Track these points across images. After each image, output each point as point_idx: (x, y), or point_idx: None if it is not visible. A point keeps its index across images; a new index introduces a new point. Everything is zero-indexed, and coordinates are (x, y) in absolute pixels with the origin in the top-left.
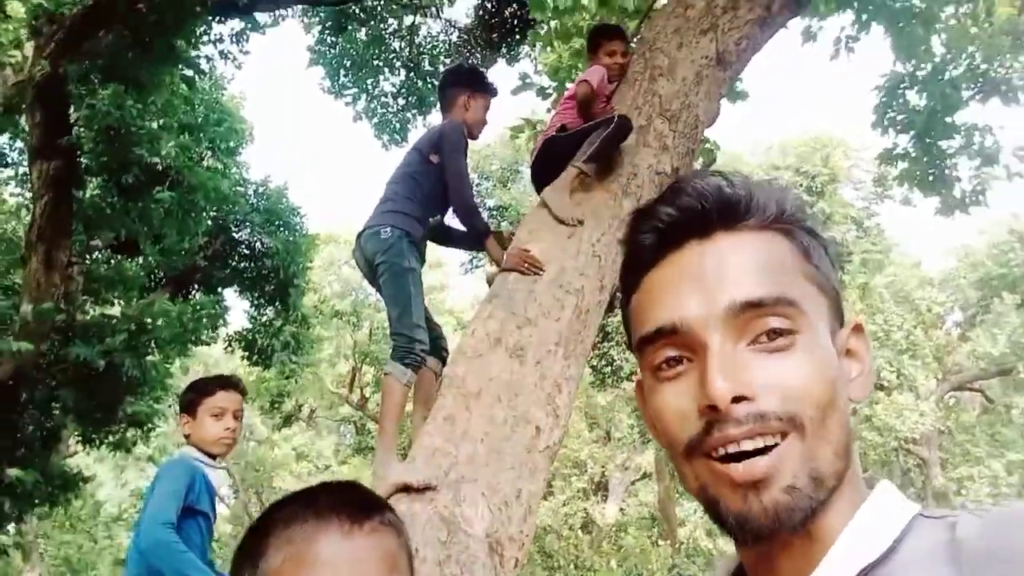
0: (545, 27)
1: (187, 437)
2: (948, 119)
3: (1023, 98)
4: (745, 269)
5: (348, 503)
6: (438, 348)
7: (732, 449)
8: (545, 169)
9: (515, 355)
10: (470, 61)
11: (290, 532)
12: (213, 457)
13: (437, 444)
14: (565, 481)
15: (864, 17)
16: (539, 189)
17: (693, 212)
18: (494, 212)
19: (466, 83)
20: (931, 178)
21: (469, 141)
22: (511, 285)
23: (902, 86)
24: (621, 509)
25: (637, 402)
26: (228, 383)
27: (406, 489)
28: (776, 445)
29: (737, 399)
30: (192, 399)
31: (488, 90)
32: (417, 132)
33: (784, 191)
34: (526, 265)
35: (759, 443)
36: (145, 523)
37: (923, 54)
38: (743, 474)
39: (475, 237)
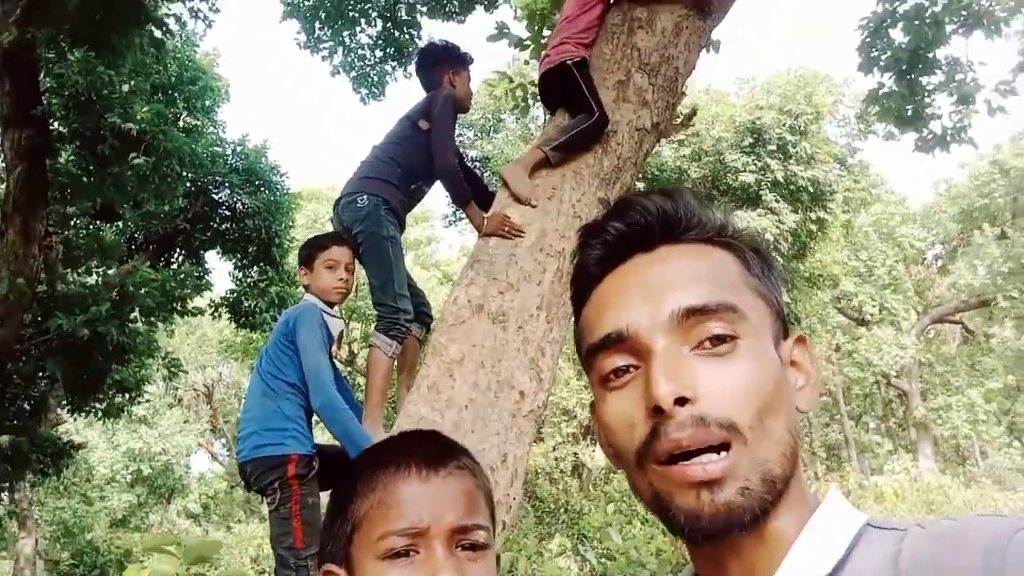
0: None
1: (306, 288)
2: (930, 55)
3: (1005, 30)
4: (688, 277)
5: (426, 450)
6: (421, 315)
7: (685, 454)
8: (553, 91)
9: (497, 321)
10: (447, 8)
11: (374, 480)
12: (331, 305)
13: (422, 412)
14: (555, 427)
15: None
16: (545, 100)
17: (638, 226)
18: (477, 163)
19: (446, 60)
20: (910, 115)
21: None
22: (492, 250)
23: (885, 24)
24: None
25: (593, 424)
26: (341, 239)
27: None
28: (721, 447)
29: (680, 400)
30: (309, 253)
31: (466, 63)
32: (396, 85)
33: (727, 215)
34: (506, 229)
35: (709, 458)
36: (314, 384)
37: None
38: (700, 473)
39: (457, 202)
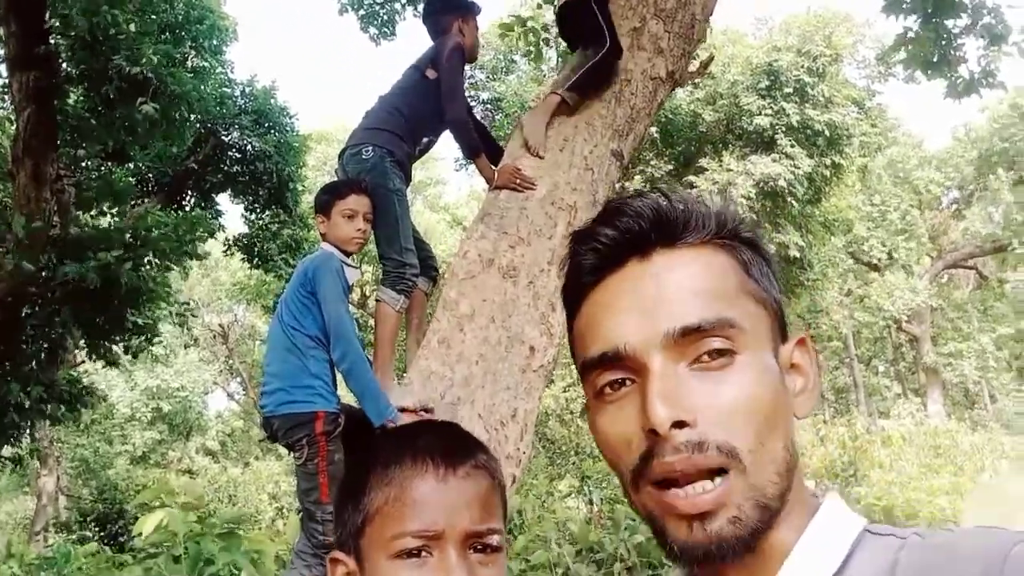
0: None
1: (323, 236)
2: None
3: None
4: (685, 291)
5: (444, 446)
6: (428, 267)
7: (679, 481)
8: (572, 23)
9: (508, 275)
10: None
11: (389, 473)
12: (347, 255)
13: (433, 367)
14: (565, 369)
15: None
16: (564, 35)
17: (631, 231)
18: (488, 104)
19: (455, 8)
20: (936, 59)
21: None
22: (502, 203)
23: None
24: None
25: (589, 425)
26: (359, 187)
27: (403, 411)
28: (717, 474)
29: (678, 424)
30: (326, 201)
31: (474, 12)
32: (406, 25)
33: (724, 206)
34: (517, 182)
35: (703, 487)
36: (336, 335)
37: None
38: (688, 506)
39: (467, 154)
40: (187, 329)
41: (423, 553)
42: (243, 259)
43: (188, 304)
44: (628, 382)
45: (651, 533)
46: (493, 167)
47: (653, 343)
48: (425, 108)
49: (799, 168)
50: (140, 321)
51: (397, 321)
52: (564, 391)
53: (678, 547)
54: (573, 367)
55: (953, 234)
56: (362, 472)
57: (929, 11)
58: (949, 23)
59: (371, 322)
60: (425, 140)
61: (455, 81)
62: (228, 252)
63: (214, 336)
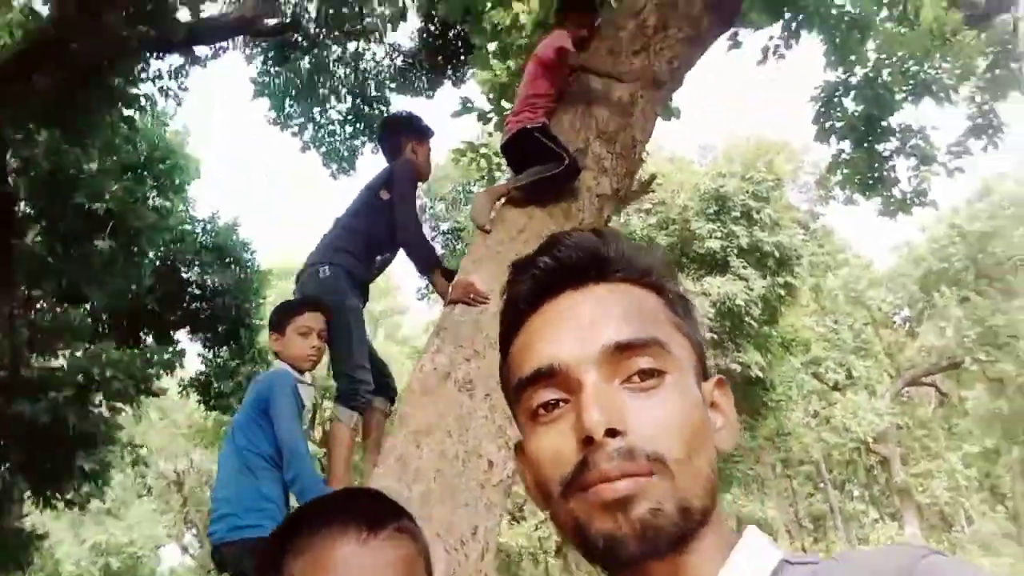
0: (484, 49)
1: (277, 355)
2: (884, 122)
3: (953, 97)
4: (618, 314)
5: (366, 509)
6: (385, 387)
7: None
8: (516, 154)
9: (464, 388)
10: (416, 85)
11: (310, 538)
12: (301, 372)
13: (389, 485)
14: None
15: (795, 27)
16: (512, 167)
17: (569, 262)
18: (448, 235)
19: (409, 131)
20: (871, 181)
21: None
22: (457, 317)
23: (837, 93)
24: None
25: (517, 467)
26: (314, 305)
27: None
28: (642, 476)
29: (611, 432)
30: (280, 318)
31: (427, 135)
32: (365, 159)
33: (653, 253)
34: (471, 296)
35: (629, 481)
36: (288, 455)
37: (857, 59)
38: (610, 491)
39: (421, 270)
40: (139, 477)
41: None
42: (199, 400)
43: (141, 447)
44: (562, 403)
45: (578, 548)
46: (447, 283)
47: (588, 360)
48: (380, 227)
49: (753, 289)
50: (89, 466)
51: (352, 439)
52: (536, 528)
53: (604, 540)
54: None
55: (909, 352)
56: (281, 541)
57: (859, 136)
58: (880, 146)
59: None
60: (380, 258)
61: (408, 201)
62: (183, 393)
63: (168, 485)
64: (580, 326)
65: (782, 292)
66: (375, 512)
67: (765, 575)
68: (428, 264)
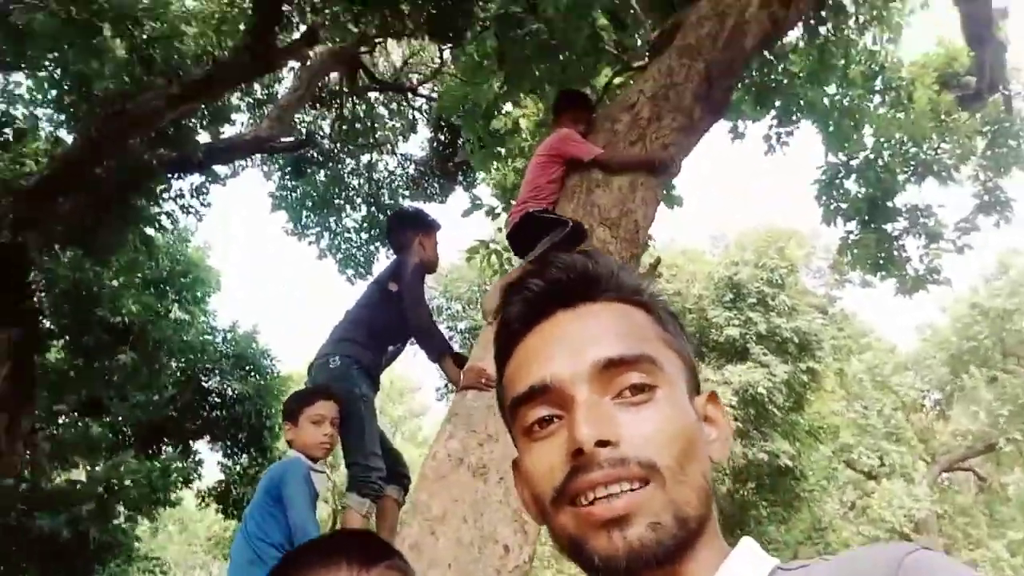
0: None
1: (290, 443)
2: (889, 203)
3: (956, 175)
4: (608, 331)
5: (358, 548)
6: (399, 476)
7: (599, 493)
8: (522, 239)
9: (478, 473)
10: (428, 191)
11: (305, 573)
12: (315, 460)
13: None
14: None
15: (787, 116)
16: (518, 253)
17: (560, 283)
18: (466, 333)
19: (416, 225)
20: (882, 260)
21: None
22: (469, 403)
23: (839, 176)
24: None
25: (515, 483)
26: (326, 394)
27: None
28: (637, 489)
29: (602, 443)
30: (294, 408)
31: (433, 228)
32: (380, 264)
33: (642, 276)
34: (482, 381)
35: (620, 487)
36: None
37: (853, 144)
38: (605, 510)
39: (432, 358)
40: None
41: None
42: (218, 509)
43: (158, 559)
44: (555, 419)
45: (574, 560)
46: (459, 370)
47: (580, 376)
48: (388, 319)
49: (775, 375)
50: None
51: (364, 526)
52: None
53: (599, 559)
54: None
55: (942, 436)
56: None
57: (865, 217)
58: (888, 226)
59: None
60: (392, 349)
61: (417, 291)
62: (202, 504)
63: None
64: (571, 344)
65: (805, 378)
66: (367, 550)
67: None
68: (439, 351)
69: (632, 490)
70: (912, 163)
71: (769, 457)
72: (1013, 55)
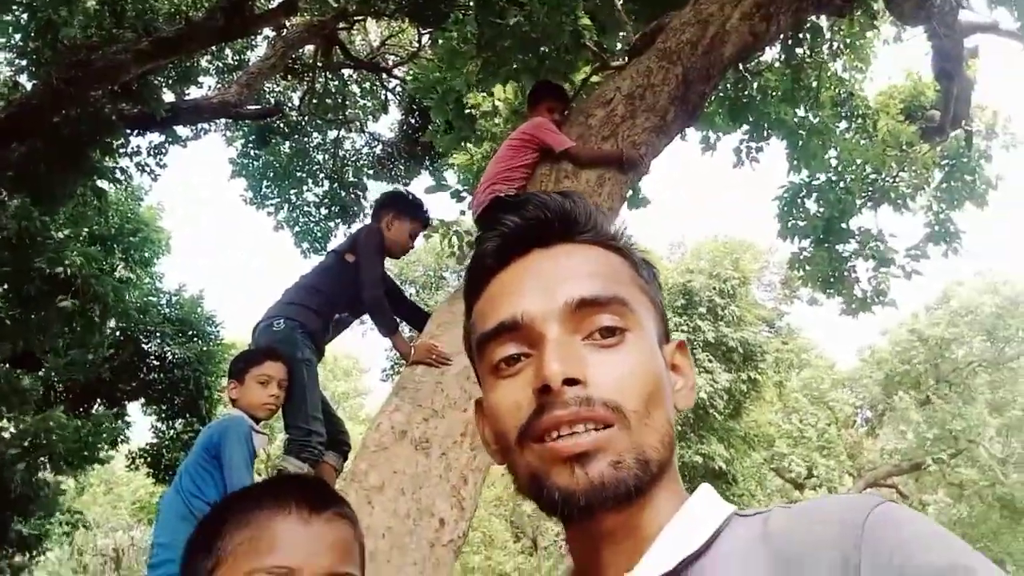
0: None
1: (233, 401)
2: (844, 225)
3: (911, 205)
4: (583, 272)
5: (308, 493)
6: (339, 443)
7: (563, 431)
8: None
9: (420, 447)
10: (393, 172)
11: (247, 516)
12: (257, 421)
13: None
14: None
15: (758, 132)
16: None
17: (536, 221)
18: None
19: (392, 205)
20: (832, 279)
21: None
22: (418, 377)
23: (800, 195)
24: None
25: (478, 422)
26: (275, 355)
27: None
28: (601, 430)
29: (569, 381)
30: (242, 367)
31: (411, 215)
32: (338, 240)
33: (621, 223)
34: (433, 357)
35: (585, 427)
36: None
37: (819, 164)
38: (570, 445)
39: (384, 333)
40: (77, 553)
41: None
42: (148, 473)
43: (80, 514)
44: (523, 358)
45: (533, 498)
46: (410, 344)
47: (551, 314)
48: (340, 288)
49: (717, 382)
50: (27, 532)
51: None
52: None
53: (560, 493)
54: None
55: (870, 453)
56: (217, 519)
57: (820, 236)
58: (840, 247)
59: None
60: (338, 316)
61: (371, 264)
62: (132, 466)
63: (105, 562)
64: (544, 282)
65: (746, 387)
66: (317, 495)
67: (714, 525)
68: (390, 327)
69: (596, 430)
70: (870, 188)
71: (704, 460)
72: (978, 94)
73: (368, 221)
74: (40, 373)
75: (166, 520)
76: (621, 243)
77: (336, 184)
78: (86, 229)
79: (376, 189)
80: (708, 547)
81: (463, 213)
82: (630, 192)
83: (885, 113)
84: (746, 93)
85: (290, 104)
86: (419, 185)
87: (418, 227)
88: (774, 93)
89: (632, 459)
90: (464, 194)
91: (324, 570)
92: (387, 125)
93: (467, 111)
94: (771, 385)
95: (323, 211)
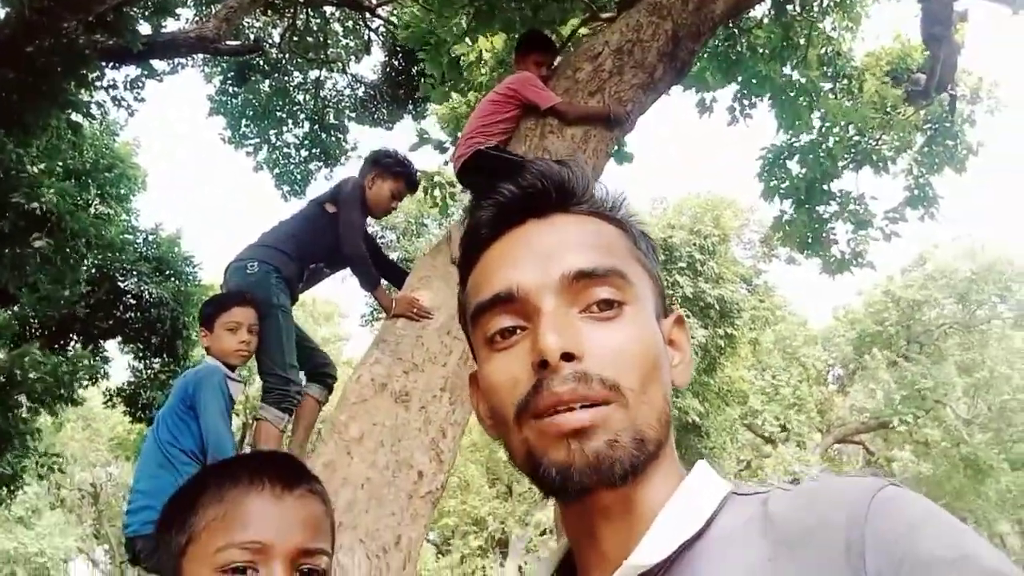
0: (439, 83)
1: (207, 350)
2: (825, 187)
3: (892, 168)
4: (580, 243)
5: (281, 469)
6: (324, 376)
7: (561, 408)
8: (471, 176)
9: (400, 400)
10: (375, 116)
11: (221, 491)
12: (232, 368)
13: None
14: (463, 539)
15: (749, 91)
16: (472, 191)
17: (534, 190)
18: (399, 264)
19: (376, 163)
20: (810, 240)
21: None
22: (399, 330)
23: (783, 156)
24: (520, 568)
25: (472, 395)
26: (243, 299)
27: None
28: (601, 404)
29: (567, 356)
30: (209, 313)
31: (395, 175)
32: (318, 184)
33: (620, 193)
34: (414, 311)
35: (582, 405)
36: (213, 451)
37: (803, 125)
38: (569, 420)
39: (364, 286)
40: (55, 487)
41: (248, 570)
42: (125, 411)
43: (58, 456)
44: (519, 330)
45: (529, 475)
46: (391, 297)
47: (547, 286)
48: (318, 237)
49: (694, 338)
50: (3, 470)
51: (279, 440)
52: (461, 561)
53: (556, 469)
54: (471, 537)
55: (840, 410)
56: (190, 494)
57: (802, 198)
58: (820, 208)
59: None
60: (313, 266)
61: (351, 217)
62: (109, 403)
63: (83, 497)
64: (541, 253)
65: (722, 343)
66: (289, 472)
67: (713, 504)
68: (371, 280)
69: (594, 406)
70: (853, 150)
71: (679, 413)
72: (965, 58)
73: (347, 167)
74: (14, 308)
75: (145, 468)
76: (620, 214)
77: (317, 126)
78: (60, 164)
79: (357, 132)
80: (706, 529)
81: (446, 164)
82: (615, 147)
83: (871, 74)
84: (736, 50)
85: (270, 41)
86: (400, 130)
87: (401, 187)
88: (763, 50)
89: (628, 438)
90: (447, 145)
91: (296, 546)
92: (370, 66)
93: (456, 61)
94: (746, 342)
95: (303, 153)
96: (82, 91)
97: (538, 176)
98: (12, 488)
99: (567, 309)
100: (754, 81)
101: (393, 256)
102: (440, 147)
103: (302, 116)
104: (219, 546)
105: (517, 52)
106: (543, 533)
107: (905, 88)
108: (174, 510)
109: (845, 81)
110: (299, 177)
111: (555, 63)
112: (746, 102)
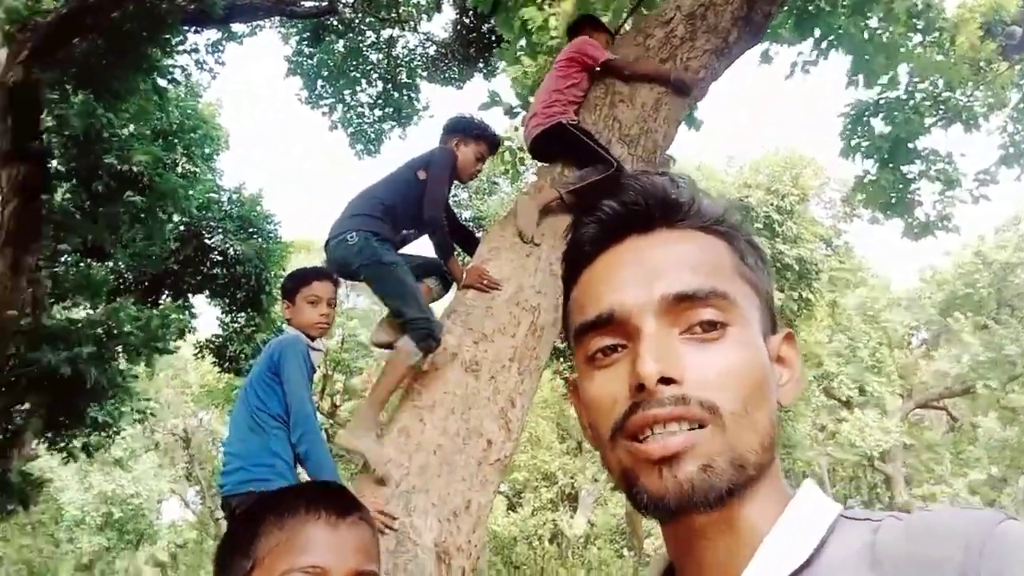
0: (512, 46)
1: (288, 321)
2: (911, 145)
3: (984, 124)
4: (682, 262)
5: (334, 500)
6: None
7: (656, 431)
8: (546, 146)
9: (470, 370)
10: (447, 74)
11: (282, 520)
12: (312, 339)
13: (391, 455)
14: (534, 492)
15: (824, 45)
16: (540, 159)
17: (636, 207)
18: (470, 222)
19: (458, 129)
20: (894, 202)
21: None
22: (469, 301)
23: (867, 114)
24: (590, 521)
25: (571, 401)
26: (323, 274)
27: (364, 467)
28: (695, 430)
29: (665, 380)
30: (291, 287)
31: (478, 137)
32: (392, 143)
33: (726, 202)
34: (484, 283)
35: (679, 427)
36: (296, 417)
37: (886, 81)
38: (659, 448)
39: (440, 254)
40: (149, 431)
41: None
42: (214, 362)
43: (151, 402)
44: (620, 348)
45: (625, 493)
46: (463, 268)
47: (648, 307)
48: (407, 203)
49: None
50: (101, 418)
51: (405, 373)
52: (532, 514)
53: (648, 497)
54: (543, 491)
55: (923, 374)
56: (252, 524)
57: (885, 157)
58: (904, 168)
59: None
60: (404, 232)
61: (439, 184)
62: (199, 355)
63: (176, 440)
64: (642, 273)
65: (798, 305)
66: (342, 501)
67: (822, 530)
68: (446, 249)
69: (690, 430)
70: (942, 107)
71: None
72: None
73: (419, 126)
74: (110, 265)
75: (236, 432)
76: (725, 228)
77: (390, 85)
78: (148, 127)
79: (429, 91)
80: (816, 556)
81: (516, 129)
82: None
83: (964, 28)
84: (815, 4)
85: (344, 1)
86: (471, 88)
87: (484, 150)
88: (844, 3)
89: (725, 461)
90: (517, 110)
91: (351, 569)
92: (441, 24)
93: (526, 24)
94: (824, 304)
95: (376, 112)
96: (166, 56)
97: (641, 192)
98: (110, 433)
99: (668, 330)
100: (831, 37)
101: (466, 214)
102: (510, 111)
103: (375, 75)
104: (283, 570)
105: (569, 35)
106: (613, 488)
107: (999, 42)
108: (237, 538)
109: (936, 34)
110: (373, 136)
111: (609, 40)
112: (816, 58)
